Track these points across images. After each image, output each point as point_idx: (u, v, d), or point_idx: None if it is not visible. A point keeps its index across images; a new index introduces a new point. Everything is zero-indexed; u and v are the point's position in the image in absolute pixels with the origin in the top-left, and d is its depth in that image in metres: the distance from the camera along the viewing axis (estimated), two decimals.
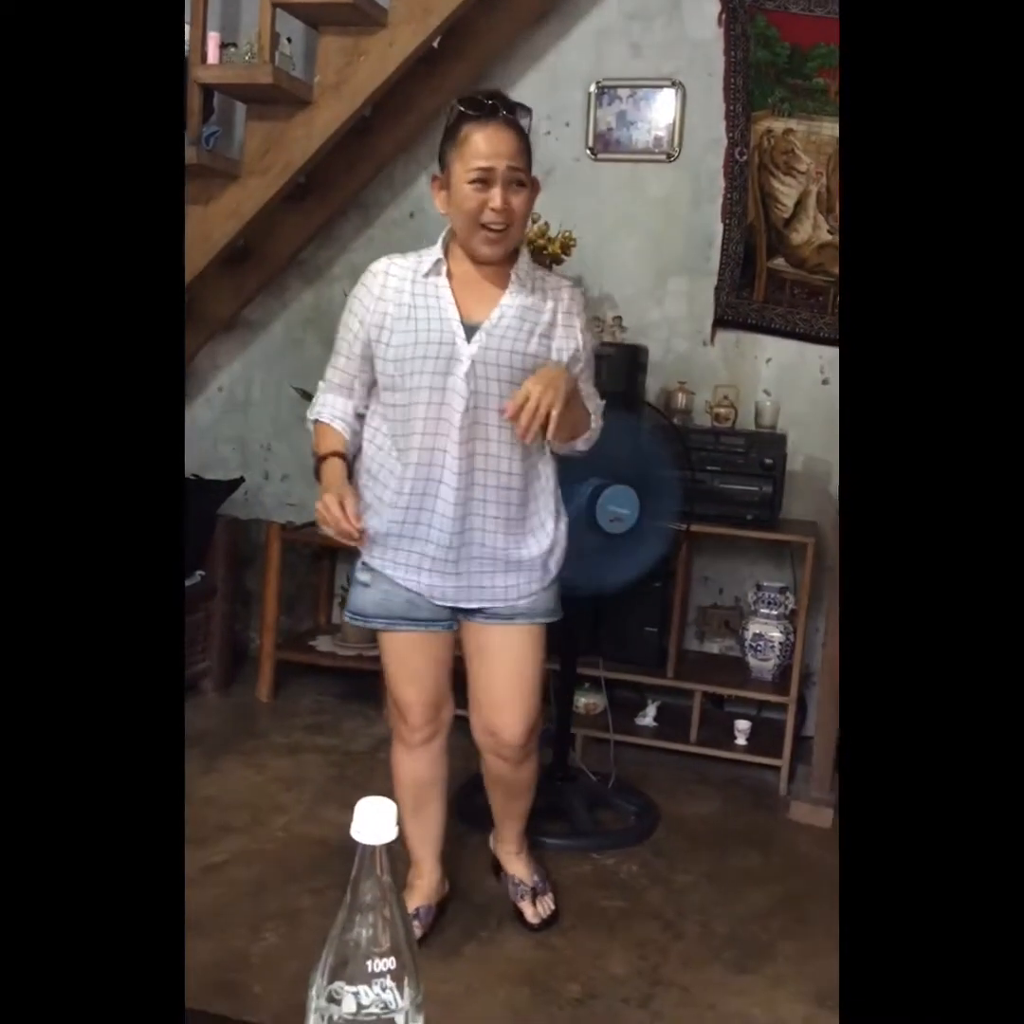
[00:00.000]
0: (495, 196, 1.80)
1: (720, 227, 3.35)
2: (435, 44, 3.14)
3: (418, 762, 2.10)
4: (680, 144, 3.38)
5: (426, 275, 1.90)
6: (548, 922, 2.23)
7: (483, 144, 1.80)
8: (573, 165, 3.46)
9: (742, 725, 3.15)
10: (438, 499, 1.91)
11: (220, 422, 3.90)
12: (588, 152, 3.45)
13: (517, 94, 3.53)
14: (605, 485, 2.37)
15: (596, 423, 2.01)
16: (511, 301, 1.90)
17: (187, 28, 3.05)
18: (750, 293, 3.34)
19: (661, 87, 3.37)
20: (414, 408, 1.89)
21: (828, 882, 2.34)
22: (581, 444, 2.01)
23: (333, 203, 3.55)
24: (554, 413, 1.76)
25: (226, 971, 2.01)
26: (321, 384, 2.03)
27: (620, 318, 3.30)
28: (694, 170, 3.37)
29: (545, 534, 1.98)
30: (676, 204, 3.40)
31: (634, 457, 2.41)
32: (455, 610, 2.01)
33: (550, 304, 1.93)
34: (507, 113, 1.82)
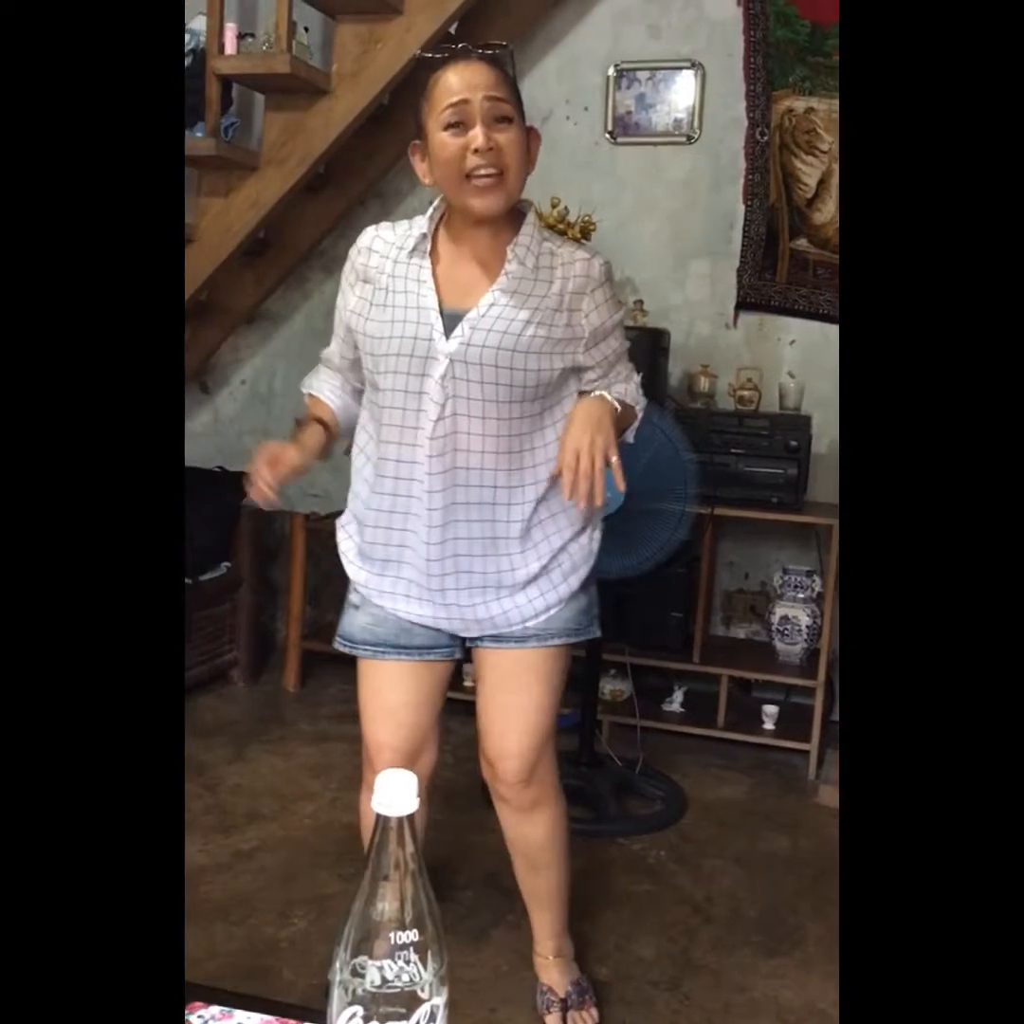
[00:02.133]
0: (476, 135, 1.47)
1: (741, 208, 3.32)
2: (452, 30, 3.13)
3: None
4: (700, 126, 3.35)
5: (411, 254, 1.60)
6: None
7: (452, 80, 1.48)
8: (592, 149, 3.44)
9: (770, 709, 3.13)
10: (410, 516, 1.62)
11: (243, 414, 3.92)
12: (607, 136, 3.43)
13: (535, 78, 3.54)
14: None
15: (640, 406, 1.73)
16: (506, 285, 1.56)
17: (204, 19, 3.06)
18: (773, 274, 3.31)
19: (680, 69, 3.34)
20: (388, 412, 1.60)
21: None
22: (629, 437, 1.73)
23: (352, 193, 3.55)
24: (613, 460, 1.51)
25: (256, 956, 2.03)
26: (321, 355, 1.79)
27: (641, 302, 3.28)
28: (715, 151, 3.34)
29: (548, 548, 1.66)
30: (697, 186, 3.38)
31: (652, 443, 2.38)
32: (458, 635, 1.73)
33: (557, 283, 1.58)
34: (480, 50, 1.52)
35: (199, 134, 3.11)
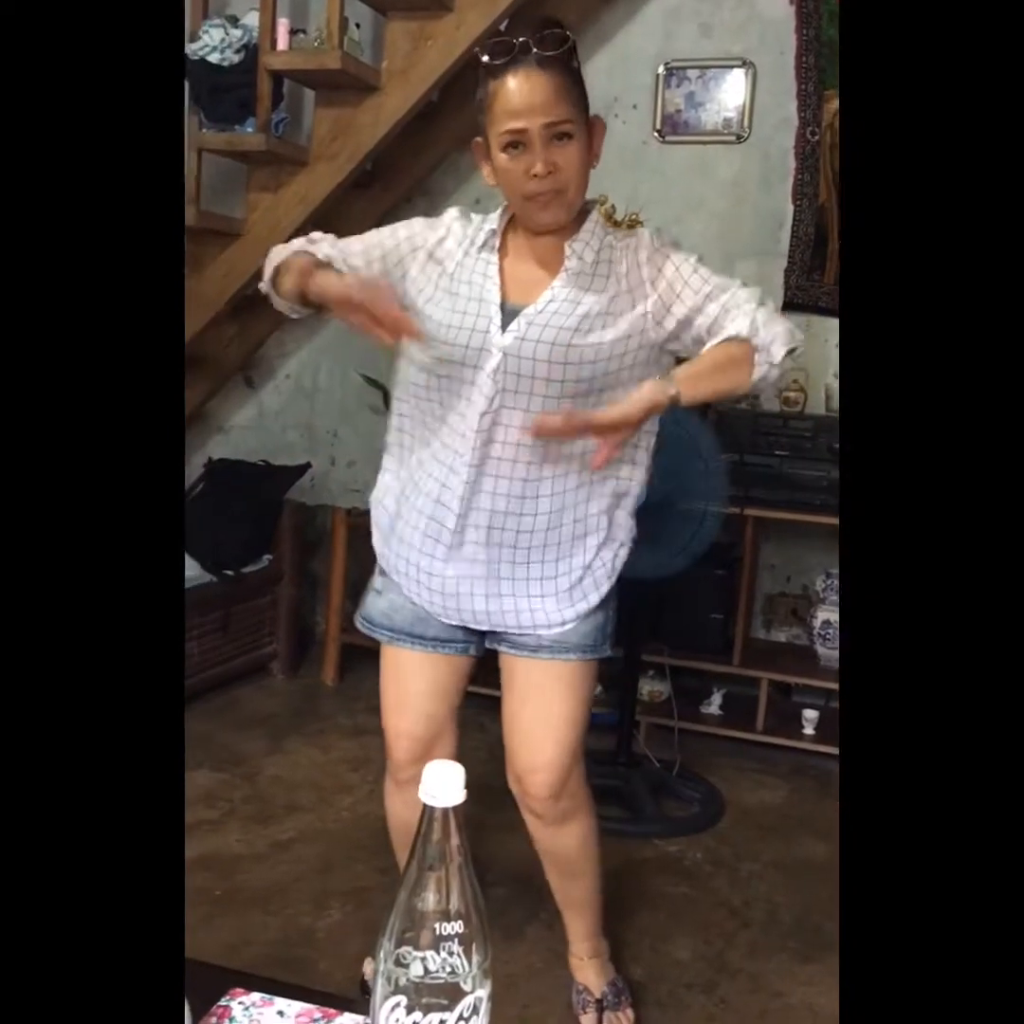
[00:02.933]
0: (536, 161, 1.46)
1: (790, 208, 3.29)
2: (502, 27, 3.13)
3: (406, 804, 1.75)
4: (750, 125, 3.32)
5: (480, 248, 1.60)
6: None
7: (511, 98, 1.45)
8: (641, 148, 3.42)
9: (810, 714, 3.10)
10: (439, 505, 1.62)
11: (287, 409, 3.94)
12: (656, 134, 3.41)
13: (585, 75, 3.50)
14: None
15: (775, 339, 1.47)
16: (565, 281, 1.56)
17: (256, 15, 3.09)
18: (821, 275, 3.28)
19: (731, 67, 3.32)
20: (434, 400, 1.61)
21: None
22: (772, 372, 1.49)
23: (399, 189, 3.56)
24: (599, 434, 1.43)
25: (292, 946, 2.04)
26: (312, 235, 1.72)
27: None
28: (764, 151, 3.32)
29: (570, 559, 1.63)
30: (746, 186, 3.35)
31: (674, 442, 2.33)
32: (475, 632, 1.71)
33: (623, 268, 1.56)
34: (539, 51, 1.45)
35: (249, 129, 3.14)
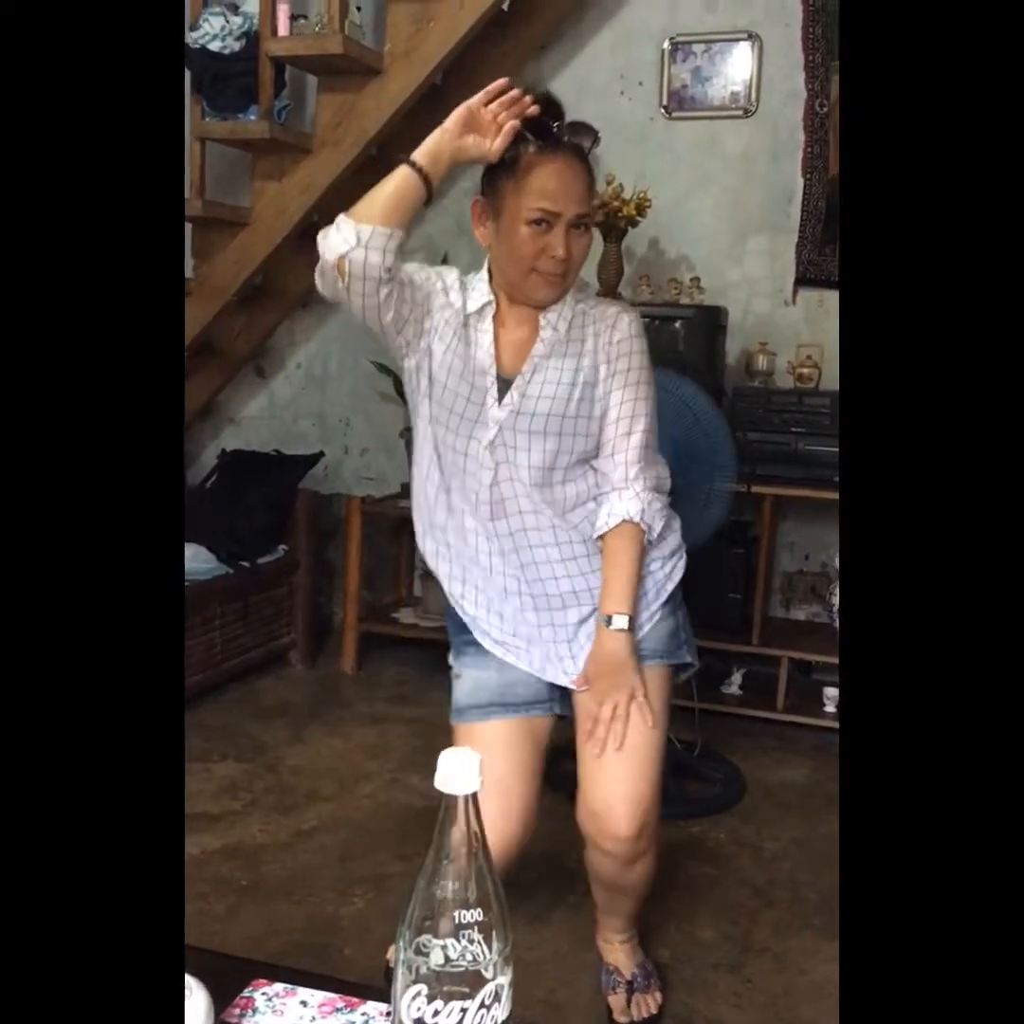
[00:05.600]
0: (557, 244, 1.51)
1: (801, 182, 3.25)
2: (505, 6, 3.10)
3: None
4: (757, 98, 3.29)
5: (476, 315, 1.62)
6: None
7: (551, 181, 1.50)
8: (647, 125, 3.39)
9: (831, 692, 3.09)
10: (493, 574, 1.68)
11: (299, 398, 3.94)
12: (662, 111, 3.38)
13: (589, 53, 3.50)
14: None
15: (662, 511, 1.66)
16: (542, 351, 1.60)
17: (257, 1, 3.07)
18: (833, 249, 3.24)
19: (737, 40, 3.28)
20: (450, 460, 1.64)
21: None
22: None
23: None
24: (639, 699, 1.60)
25: (316, 934, 2.05)
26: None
27: (698, 279, 3.24)
28: (773, 124, 3.28)
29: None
30: (755, 160, 3.32)
31: (677, 420, 2.32)
32: (557, 687, 1.70)
33: (590, 340, 1.61)
34: (576, 142, 1.53)
35: (252, 117, 3.12)
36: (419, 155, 1.48)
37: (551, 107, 1.53)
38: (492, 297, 1.61)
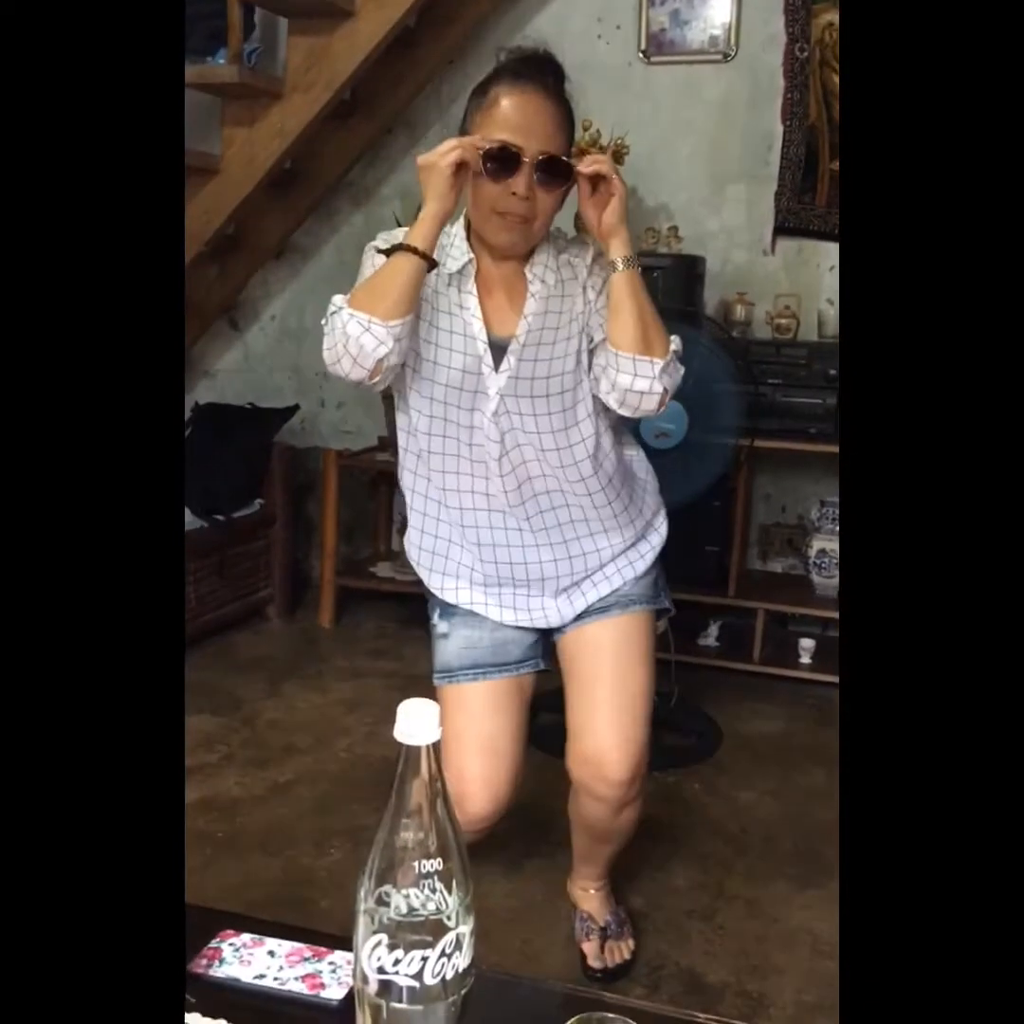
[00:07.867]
0: (520, 182, 1.43)
1: (780, 129, 3.21)
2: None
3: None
4: (737, 42, 3.23)
5: (453, 275, 1.53)
6: (615, 973, 1.82)
7: (515, 114, 1.44)
8: (625, 70, 3.33)
9: (806, 643, 3.10)
10: (497, 548, 1.64)
11: (274, 351, 3.89)
12: (640, 55, 3.32)
13: None
14: None
15: (674, 348, 1.55)
16: (535, 308, 1.53)
17: None
18: (812, 198, 3.21)
19: None
20: (440, 448, 1.59)
21: None
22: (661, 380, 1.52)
23: (379, 120, 3.47)
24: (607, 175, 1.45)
25: (294, 886, 2.05)
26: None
27: (676, 228, 3.20)
28: (752, 69, 3.23)
29: (622, 534, 1.69)
30: (733, 106, 3.27)
31: (686, 372, 2.32)
32: (542, 642, 1.71)
33: (579, 281, 1.56)
34: (554, 78, 1.47)
35: (221, 61, 3.04)
36: (419, 242, 1.42)
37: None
38: (472, 255, 1.53)
